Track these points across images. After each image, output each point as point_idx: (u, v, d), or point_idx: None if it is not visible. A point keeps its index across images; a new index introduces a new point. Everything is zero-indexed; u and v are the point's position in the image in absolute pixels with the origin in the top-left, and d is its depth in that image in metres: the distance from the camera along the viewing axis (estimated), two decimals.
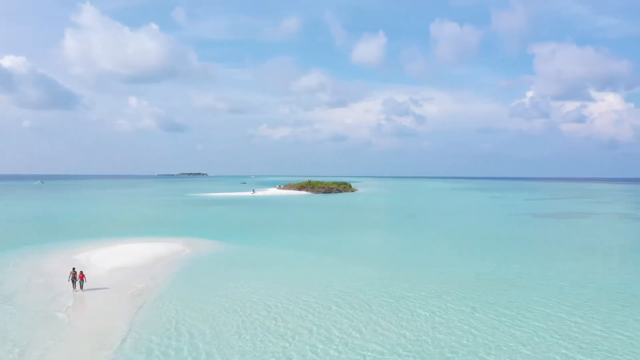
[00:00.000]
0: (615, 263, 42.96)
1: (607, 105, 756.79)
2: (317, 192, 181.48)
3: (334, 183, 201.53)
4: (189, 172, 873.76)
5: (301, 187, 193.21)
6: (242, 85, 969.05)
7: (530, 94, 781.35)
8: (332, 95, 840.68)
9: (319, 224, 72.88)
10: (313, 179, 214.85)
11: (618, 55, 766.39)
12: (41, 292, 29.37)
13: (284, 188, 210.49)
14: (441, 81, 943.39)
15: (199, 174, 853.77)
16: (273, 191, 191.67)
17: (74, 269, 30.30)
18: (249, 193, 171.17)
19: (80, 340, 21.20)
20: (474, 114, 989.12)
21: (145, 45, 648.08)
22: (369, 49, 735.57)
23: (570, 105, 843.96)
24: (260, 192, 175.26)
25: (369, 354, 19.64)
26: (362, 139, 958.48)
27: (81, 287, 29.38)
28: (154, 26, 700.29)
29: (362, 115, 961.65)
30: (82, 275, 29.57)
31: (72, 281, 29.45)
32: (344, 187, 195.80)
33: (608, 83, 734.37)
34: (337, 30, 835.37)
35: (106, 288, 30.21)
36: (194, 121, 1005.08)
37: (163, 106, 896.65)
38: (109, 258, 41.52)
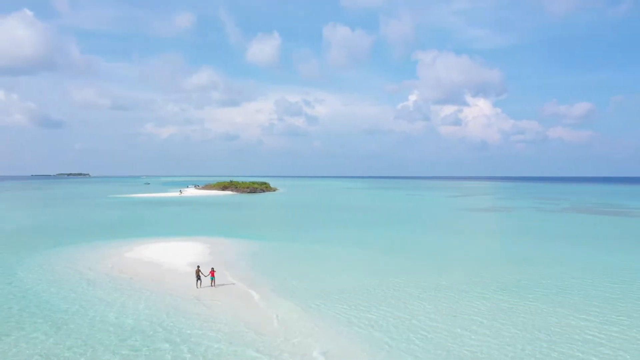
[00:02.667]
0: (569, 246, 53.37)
1: (479, 110, 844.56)
2: (243, 191, 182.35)
3: (254, 183, 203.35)
4: (68, 172, 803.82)
5: (224, 187, 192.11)
6: (127, 81, 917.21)
7: (413, 97, 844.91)
8: (224, 93, 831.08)
9: (304, 221, 76.65)
10: (203, 178, 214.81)
11: (490, 64, 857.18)
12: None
13: (203, 188, 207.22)
14: (332, 83, 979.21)
15: (80, 174, 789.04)
16: (193, 191, 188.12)
17: (198, 266, 31.63)
18: (177, 194, 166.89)
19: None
20: (362, 115, 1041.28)
21: (17, 34, 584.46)
22: (263, 49, 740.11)
23: (449, 109, 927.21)
24: (185, 193, 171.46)
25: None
26: (253, 139, 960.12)
27: (212, 283, 30.89)
28: (28, 12, 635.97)
29: (254, 114, 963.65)
30: (212, 272, 31.10)
31: (198, 278, 30.80)
32: (265, 187, 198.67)
33: (481, 90, 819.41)
34: (231, 28, 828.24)
35: (224, 284, 31.85)
36: (73, 118, 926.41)
37: (37, 101, 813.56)
38: (158, 255, 42.06)
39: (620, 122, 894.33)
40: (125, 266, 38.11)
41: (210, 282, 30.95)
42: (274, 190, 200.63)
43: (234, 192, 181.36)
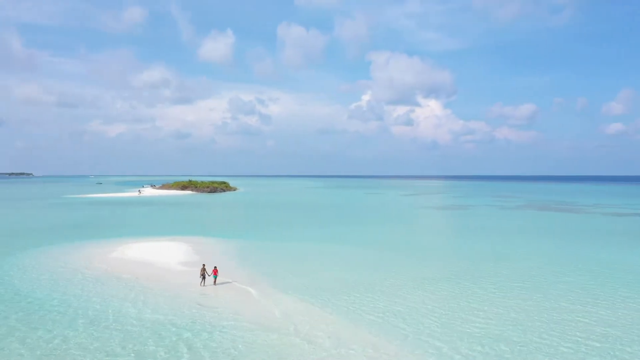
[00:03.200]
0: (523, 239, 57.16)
1: (430, 111, 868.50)
2: (203, 191, 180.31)
3: (214, 182, 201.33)
4: (9, 171, 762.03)
5: (183, 187, 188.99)
6: (74, 77, 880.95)
7: (367, 97, 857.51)
8: (177, 91, 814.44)
9: (279, 220, 77.40)
10: (156, 178, 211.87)
11: (441, 66, 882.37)
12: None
13: (160, 188, 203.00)
14: (286, 82, 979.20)
15: (22, 173, 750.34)
16: (152, 191, 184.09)
17: (204, 265, 32.09)
18: (136, 193, 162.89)
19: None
20: (315, 115, 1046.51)
21: None
22: (216, 47, 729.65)
23: (401, 110, 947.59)
24: (144, 193, 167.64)
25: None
26: (206, 137, 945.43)
27: (214, 282, 31.47)
28: None
29: (207, 113, 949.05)
30: (215, 270, 31.65)
31: (202, 277, 31.32)
32: (225, 187, 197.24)
33: (432, 91, 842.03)
34: (184, 25, 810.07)
35: (224, 283, 32.38)
36: (13, 115, 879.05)
37: None
38: (142, 255, 42.02)
39: (560, 123, 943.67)
40: (121, 266, 37.89)
41: (213, 280, 31.52)
42: (234, 190, 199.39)
43: (194, 192, 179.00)
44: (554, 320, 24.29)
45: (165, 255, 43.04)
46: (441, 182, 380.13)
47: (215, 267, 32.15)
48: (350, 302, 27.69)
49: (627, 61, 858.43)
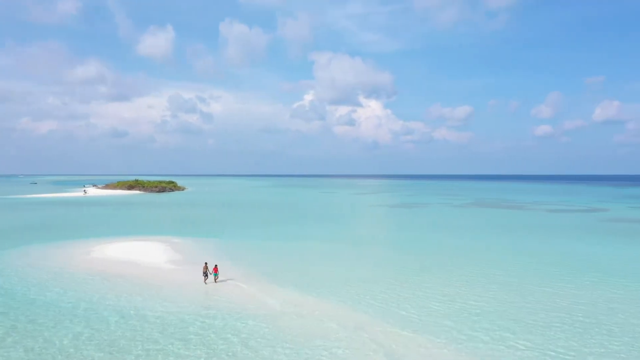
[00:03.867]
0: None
1: (371, 111, 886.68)
2: (151, 191, 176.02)
3: (161, 182, 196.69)
4: None
5: (130, 186, 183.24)
6: (0, 71, 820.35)
7: (309, 97, 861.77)
8: (113, 87, 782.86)
9: (244, 219, 77.57)
10: (90, 177, 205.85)
11: (381, 67, 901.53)
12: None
13: (104, 188, 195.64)
14: (228, 80, 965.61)
15: None
16: (96, 191, 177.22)
17: (206, 263, 32.41)
18: (81, 193, 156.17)
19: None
20: (258, 113, 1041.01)
21: None
22: (156, 43, 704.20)
23: (343, 110, 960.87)
24: (90, 193, 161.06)
25: None
26: (144, 135, 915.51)
27: (215, 279, 31.92)
28: None
29: (146, 110, 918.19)
30: (215, 268, 32.08)
31: (205, 275, 31.74)
32: (174, 186, 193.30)
33: (373, 91, 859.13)
34: (121, 19, 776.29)
35: (221, 281, 32.91)
36: None
37: None
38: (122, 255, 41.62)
39: (494, 125, 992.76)
40: (111, 266, 37.55)
41: (214, 278, 32.01)
42: (183, 190, 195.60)
43: (142, 192, 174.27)
44: (520, 298, 27.56)
45: (149, 255, 42.82)
46: (385, 182, 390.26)
47: (215, 265, 32.69)
48: (339, 292, 29.56)
49: (556, 66, 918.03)
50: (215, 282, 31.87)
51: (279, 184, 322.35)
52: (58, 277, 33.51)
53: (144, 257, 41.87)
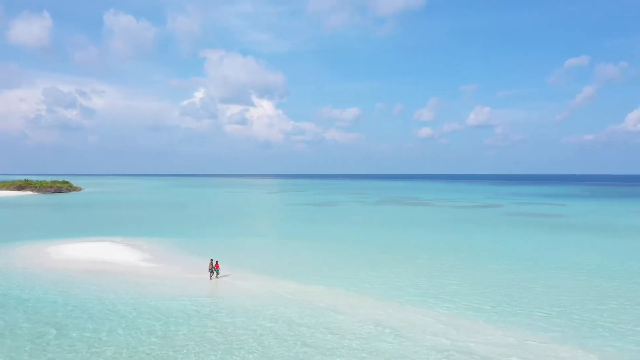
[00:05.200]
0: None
1: (263, 111, 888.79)
2: (45, 191, 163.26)
3: (55, 182, 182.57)
4: None
5: (20, 186, 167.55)
6: None
7: (200, 95, 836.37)
8: None
9: (179, 219, 77.09)
10: None
11: (274, 67, 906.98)
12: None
13: None
14: (113, 75, 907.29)
15: None
16: None
17: (211, 260, 34.02)
18: None
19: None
20: (145, 110, 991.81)
21: None
22: (29, 30, 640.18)
23: (235, 109, 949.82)
24: None
25: None
26: (14, 131, 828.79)
27: (217, 275, 33.76)
28: None
29: (16, 103, 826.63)
30: (217, 265, 33.87)
31: (210, 271, 33.51)
32: (69, 186, 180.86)
33: (266, 91, 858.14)
34: None
35: (225, 276, 34.86)
36: None
37: None
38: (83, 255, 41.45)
39: (381, 127, 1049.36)
40: (90, 266, 37.33)
41: (215, 274, 33.91)
42: (80, 190, 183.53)
43: (35, 193, 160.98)
44: (448, 275, 33.84)
45: (116, 255, 43.01)
46: (281, 181, 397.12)
47: (216, 262, 34.54)
48: (326, 279, 33.51)
49: (436, 73, 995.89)
50: (217, 277, 33.84)
51: (175, 184, 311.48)
52: (69, 275, 33.03)
53: (112, 256, 41.95)
